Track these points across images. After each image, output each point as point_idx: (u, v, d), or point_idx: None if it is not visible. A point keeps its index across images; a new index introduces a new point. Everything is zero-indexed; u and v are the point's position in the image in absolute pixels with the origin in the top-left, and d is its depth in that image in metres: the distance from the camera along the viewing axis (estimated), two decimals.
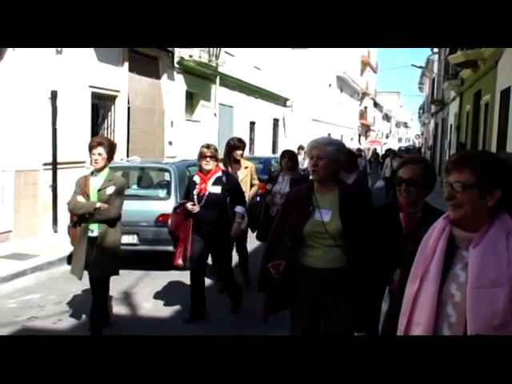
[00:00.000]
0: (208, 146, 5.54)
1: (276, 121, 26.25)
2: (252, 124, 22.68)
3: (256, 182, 7.10)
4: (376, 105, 61.10)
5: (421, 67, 36.27)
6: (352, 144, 35.07)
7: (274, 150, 25.43)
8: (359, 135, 49.53)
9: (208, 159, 5.46)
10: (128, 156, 11.63)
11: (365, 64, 48.66)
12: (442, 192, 2.01)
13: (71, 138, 10.46)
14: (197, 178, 5.60)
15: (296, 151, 18.38)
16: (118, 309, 5.86)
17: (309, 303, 3.28)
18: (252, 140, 22.70)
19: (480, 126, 14.91)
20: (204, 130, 17.23)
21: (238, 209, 5.62)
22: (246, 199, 6.53)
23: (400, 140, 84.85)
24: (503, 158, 2.09)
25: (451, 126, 23.07)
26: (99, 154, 4.72)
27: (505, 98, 10.87)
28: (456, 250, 1.94)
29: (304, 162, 16.37)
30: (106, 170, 4.83)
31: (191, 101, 16.95)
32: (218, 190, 5.48)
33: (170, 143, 14.73)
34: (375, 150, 28.39)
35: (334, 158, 3.29)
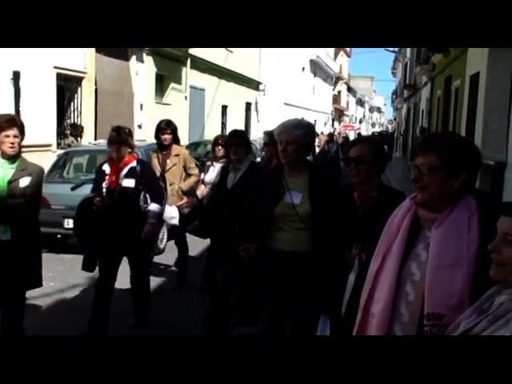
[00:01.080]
0: (118, 130, 4.59)
1: (248, 105, 26.17)
2: (224, 108, 22.56)
3: (194, 171, 6.33)
4: (350, 89, 61.40)
5: (394, 52, 36.53)
6: (326, 129, 35.25)
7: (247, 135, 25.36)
8: (333, 120, 49.78)
9: (117, 145, 4.50)
10: (96, 140, 11.48)
11: (338, 48, 48.79)
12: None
13: (35, 121, 10.26)
14: (107, 168, 4.66)
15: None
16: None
17: (278, 289, 3.31)
18: (224, 124, 22.61)
19: (450, 111, 15.13)
20: (175, 113, 17.06)
21: (153, 207, 4.73)
22: (176, 192, 6.01)
23: (373, 125, 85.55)
24: (469, 141, 2.15)
25: (423, 111, 23.36)
26: (15, 137, 3.76)
27: (474, 82, 11.03)
28: (420, 230, 2.00)
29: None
30: (17, 157, 3.86)
31: (161, 83, 16.75)
32: (131, 183, 4.57)
33: (140, 127, 14.56)
34: (346, 135, 28.56)
35: (303, 142, 3.31)
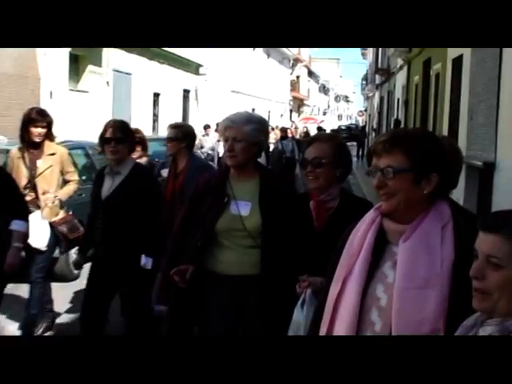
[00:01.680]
0: None
1: (186, 92, 26.13)
2: (156, 96, 22.44)
3: (73, 176, 5.85)
4: (311, 74, 62.27)
5: None
6: (282, 122, 35.57)
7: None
8: (291, 111, 50.29)
9: None
10: None
11: None
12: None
13: None
14: None
15: (203, 131, 18.74)
16: None
17: (220, 320, 3.29)
18: (156, 116, 22.48)
19: (430, 100, 15.55)
20: (94, 102, 16.85)
21: (15, 225, 4.17)
22: (52, 203, 5.42)
23: (340, 117, 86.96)
24: (439, 138, 2.23)
25: (398, 100, 23.93)
26: None
27: (457, 67, 11.39)
28: (386, 246, 2.03)
29: (213, 144, 16.58)
30: None
31: (76, 66, 16.52)
32: None
33: None
34: (307, 130, 28.62)
35: (254, 140, 3.33)
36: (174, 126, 5.43)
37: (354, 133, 40.00)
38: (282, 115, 44.29)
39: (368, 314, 1.99)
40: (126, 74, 19.33)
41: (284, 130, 18.07)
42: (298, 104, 55.44)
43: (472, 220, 2.57)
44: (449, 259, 1.89)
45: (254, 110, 30.04)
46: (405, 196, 1.96)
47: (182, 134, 5.29)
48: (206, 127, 19.05)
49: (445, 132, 12.27)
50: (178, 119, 24.95)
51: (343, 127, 47.96)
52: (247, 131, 3.29)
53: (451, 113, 12.09)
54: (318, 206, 3.02)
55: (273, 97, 40.53)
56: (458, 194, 9.48)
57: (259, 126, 3.40)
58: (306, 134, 24.63)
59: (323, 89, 74.56)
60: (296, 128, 27.97)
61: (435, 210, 1.98)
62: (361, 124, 57.12)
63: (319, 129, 31.38)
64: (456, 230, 1.94)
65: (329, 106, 79.70)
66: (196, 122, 25.94)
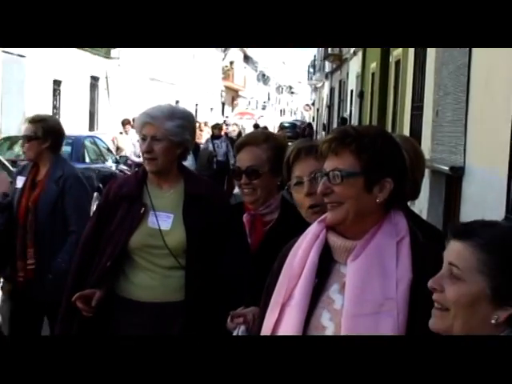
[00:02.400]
0: None
1: (95, 80, 25.88)
2: (57, 84, 22.17)
3: None
4: (248, 59, 62.54)
5: None
6: (213, 117, 35.63)
7: (92, 125, 25.05)
8: (223, 104, 50.40)
9: None
10: None
11: None
12: None
13: None
14: None
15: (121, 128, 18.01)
16: None
17: None
18: (57, 108, 22.17)
19: (389, 91, 15.93)
20: None
21: None
22: None
23: (283, 112, 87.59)
24: (397, 137, 2.30)
25: (352, 92, 24.38)
26: None
27: (421, 53, 11.69)
28: (333, 266, 2.07)
29: (134, 146, 15.72)
30: None
31: None
32: None
33: None
34: (240, 128, 28.30)
35: (178, 139, 3.33)
36: (32, 120, 4.76)
37: (299, 131, 40.30)
38: (212, 109, 44.37)
39: None
40: (19, 56, 19.00)
41: (216, 128, 17.52)
42: (232, 95, 55.61)
43: (433, 234, 2.69)
44: (405, 280, 1.93)
45: (177, 102, 29.99)
46: (354, 205, 1.99)
47: (44, 131, 4.66)
48: (125, 123, 17.78)
49: (406, 130, 12.59)
50: (84, 112, 24.72)
51: (286, 124, 48.12)
52: (169, 128, 3.29)
53: (414, 108, 12.40)
54: (254, 219, 3.04)
55: (201, 87, 40.55)
56: (422, 204, 9.74)
57: (184, 121, 3.39)
58: (240, 134, 24.37)
59: (262, 77, 75.03)
60: (227, 125, 27.56)
61: (389, 222, 2.02)
62: (307, 120, 57.71)
63: (256, 126, 31.43)
64: (413, 245, 1.99)
65: (269, 99, 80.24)
66: (107, 116, 25.74)
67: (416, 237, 2.02)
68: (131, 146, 15.40)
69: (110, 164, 14.64)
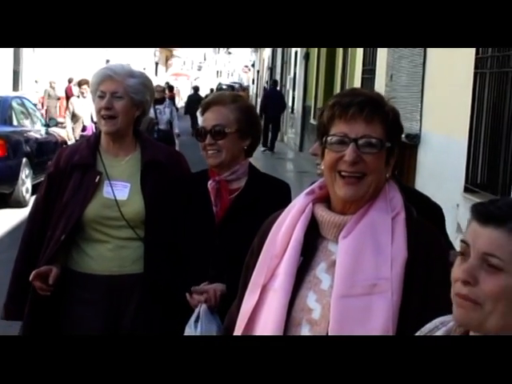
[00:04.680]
0: None
1: None
2: None
3: None
4: None
5: None
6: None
7: (16, 85, 24.49)
8: (156, 64, 50.00)
9: None
10: None
11: None
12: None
13: None
14: None
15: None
16: None
17: (92, 332, 3.21)
18: None
19: (338, 52, 15.97)
20: None
21: None
22: None
23: (219, 74, 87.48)
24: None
25: (296, 53, 24.39)
26: None
27: None
28: (320, 243, 2.02)
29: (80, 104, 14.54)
30: None
31: None
32: None
33: None
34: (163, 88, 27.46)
35: (139, 98, 3.30)
36: None
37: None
38: (144, 69, 43.86)
39: (297, 329, 1.97)
40: None
41: (160, 90, 15.42)
42: (166, 55, 55.16)
43: (430, 208, 2.67)
44: (400, 259, 1.90)
45: (108, 61, 29.51)
46: (377, 178, 1.96)
47: None
48: (83, 83, 15.22)
49: None
50: (8, 72, 24.11)
51: (224, 86, 48.02)
52: (131, 85, 3.25)
53: (364, 71, 12.47)
54: (220, 187, 3.02)
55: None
56: None
57: (145, 80, 3.37)
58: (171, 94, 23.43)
59: None
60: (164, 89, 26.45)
61: (384, 196, 1.99)
62: (245, 83, 57.73)
63: (196, 89, 31.27)
64: (408, 222, 1.95)
65: (205, 59, 79.91)
66: (32, 76, 25.23)
67: (411, 212, 1.99)
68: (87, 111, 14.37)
69: (39, 127, 14.06)
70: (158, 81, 33.23)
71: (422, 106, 8.53)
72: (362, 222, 1.94)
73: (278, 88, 25.45)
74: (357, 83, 12.89)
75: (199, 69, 71.37)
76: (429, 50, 8.39)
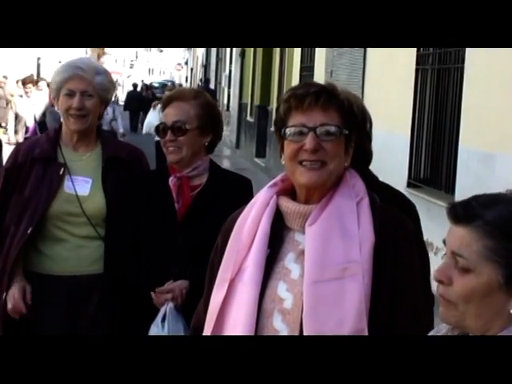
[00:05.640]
0: None
1: None
2: None
3: None
4: None
5: None
6: None
7: None
8: None
9: None
10: None
11: None
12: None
13: None
14: None
15: None
16: None
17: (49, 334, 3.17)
18: None
19: (275, 49, 16.01)
20: None
21: None
22: None
23: (151, 71, 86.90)
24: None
25: (232, 51, 24.39)
26: None
27: None
28: (286, 234, 2.05)
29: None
30: None
31: None
32: None
33: None
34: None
35: (106, 96, 3.30)
36: None
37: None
38: None
39: (269, 320, 1.99)
40: None
41: None
42: (98, 53, 54.50)
43: (390, 193, 2.70)
44: (368, 242, 1.94)
45: (39, 59, 29.07)
46: (337, 166, 1.99)
47: None
48: (27, 81, 14.07)
49: None
50: None
51: (156, 84, 47.75)
52: (100, 83, 3.23)
53: (303, 68, 12.56)
54: (181, 183, 3.02)
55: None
56: None
57: (109, 76, 3.35)
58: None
59: None
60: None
61: (346, 183, 2.02)
62: (177, 81, 57.52)
63: (135, 86, 31.13)
64: (373, 207, 2.00)
65: (137, 57, 79.30)
66: None
67: (374, 198, 2.03)
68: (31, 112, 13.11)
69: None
70: None
71: (362, 101, 8.60)
72: (327, 208, 1.97)
73: (213, 86, 25.41)
74: (295, 80, 12.97)
75: (131, 67, 70.78)
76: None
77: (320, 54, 10.92)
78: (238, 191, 2.99)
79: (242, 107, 21.05)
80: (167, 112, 3.03)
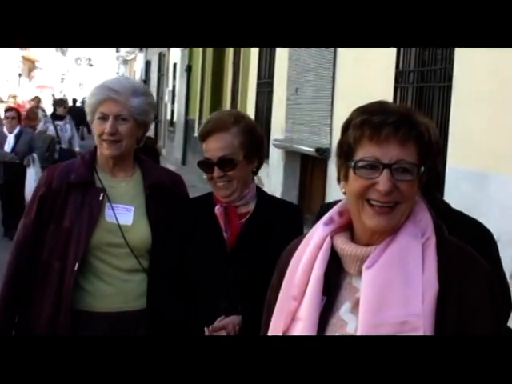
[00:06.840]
0: None
1: None
2: None
3: None
4: None
5: None
6: (11, 89, 34.22)
7: None
8: (19, 75, 48.84)
9: None
10: None
11: None
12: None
13: None
14: None
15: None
16: None
17: None
18: None
19: (227, 65, 15.96)
20: None
21: None
22: None
23: (82, 86, 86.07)
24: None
25: (175, 65, 24.27)
26: None
27: None
28: (343, 279, 1.89)
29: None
30: None
31: None
32: None
33: None
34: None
35: (143, 119, 3.15)
36: None
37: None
38: (8, 80, 42.73)
39: None
40: None
41: (61, 105, 14.16)
42: (29, 67, 53.98)
43: (463, 222, 2.52)
44: (432, 290, 1.76)
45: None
46: (409, 207, 1.82)
47: None
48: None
49: (251, 109, 12.61)
50: None
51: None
52: (135, 106, 3.08)
53: (260, 85, 12.52)
54: (228, 212, 2.93)
55: None
56: (274, 187, 9.93)
57: (149, 98, 3.22)
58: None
59: (61, 48, 73.37)
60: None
61: (413, 219, 1.84)
62: None
63: (74, 100, 30.51)
64: (439, 246, 1.82)
65: (68, 71, 78.56)
66: None
67: (441, 233, 1.86)
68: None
69: None
70: (21, 93, 32.26)
71: (331, 120, 8.63)
72: (388, 250, 1.80)
73: (155, 101, 25.20)
74: (251, 96, 12.96)
75: (62, 81, 69.97)
76: (337, 62, 8.56)
77: (280, 69, 10.89)
78: (288, 218, 2.95)
79: (188, 123, 20.90)
80: (210, 147, 2.94)
